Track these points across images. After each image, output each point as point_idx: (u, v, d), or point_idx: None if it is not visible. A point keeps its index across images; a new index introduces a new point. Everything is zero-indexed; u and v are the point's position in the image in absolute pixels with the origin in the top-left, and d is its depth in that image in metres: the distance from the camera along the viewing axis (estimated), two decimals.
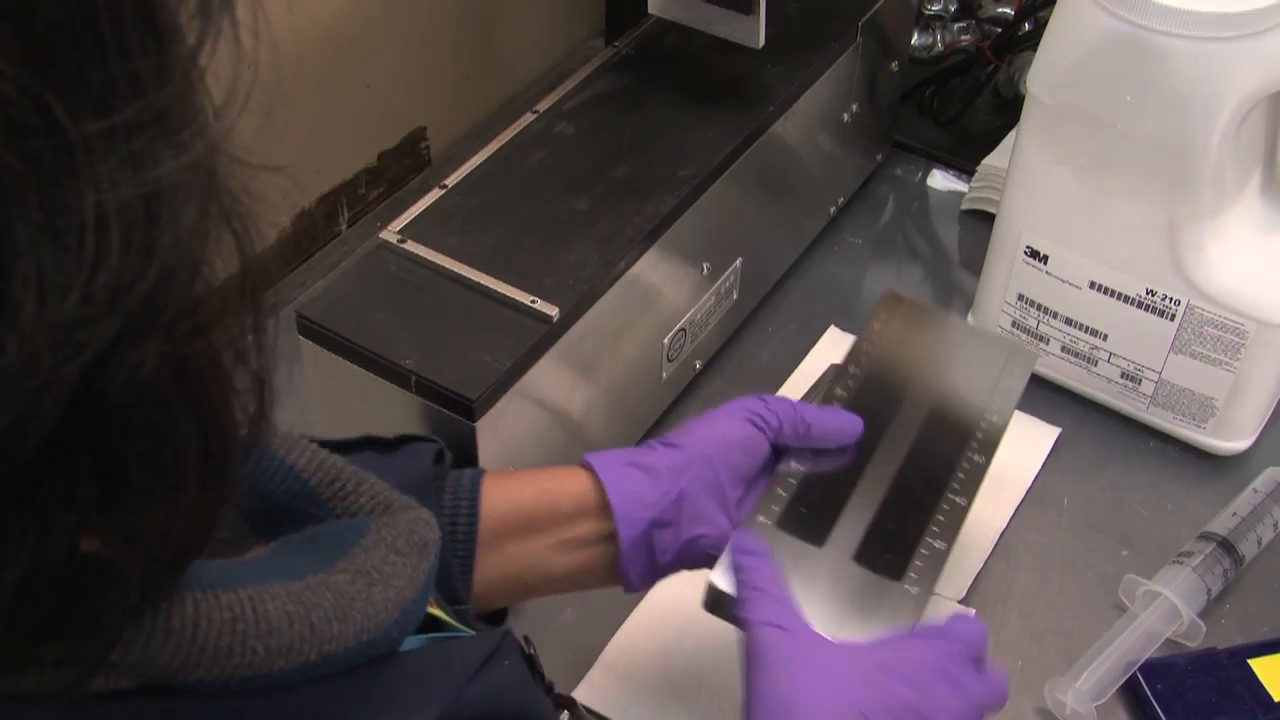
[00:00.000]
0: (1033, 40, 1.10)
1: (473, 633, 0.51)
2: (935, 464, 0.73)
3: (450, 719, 0.42)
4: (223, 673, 0.37)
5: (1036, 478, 0.92)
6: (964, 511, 0.71)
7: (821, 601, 0.64)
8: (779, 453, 0.71)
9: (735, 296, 0.96)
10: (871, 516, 0.69)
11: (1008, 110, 1.18)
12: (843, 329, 1.02)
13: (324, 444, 0.51)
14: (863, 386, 0.77)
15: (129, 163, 0.28)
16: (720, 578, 0.65)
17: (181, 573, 0.36)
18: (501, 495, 0.66)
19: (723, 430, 0.69)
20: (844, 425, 0.72)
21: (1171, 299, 0.87)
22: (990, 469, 0.74)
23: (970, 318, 1.00)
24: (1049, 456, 0.93)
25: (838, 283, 1.06)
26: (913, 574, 0.67)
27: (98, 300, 0.28)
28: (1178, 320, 0.87)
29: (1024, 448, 0.94)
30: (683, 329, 0.90)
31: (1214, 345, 0.87)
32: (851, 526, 0.69)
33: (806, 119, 0.97)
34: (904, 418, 0.75)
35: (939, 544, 0.69)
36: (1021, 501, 0.90)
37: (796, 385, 0.97)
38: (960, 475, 0.73)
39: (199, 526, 0.35)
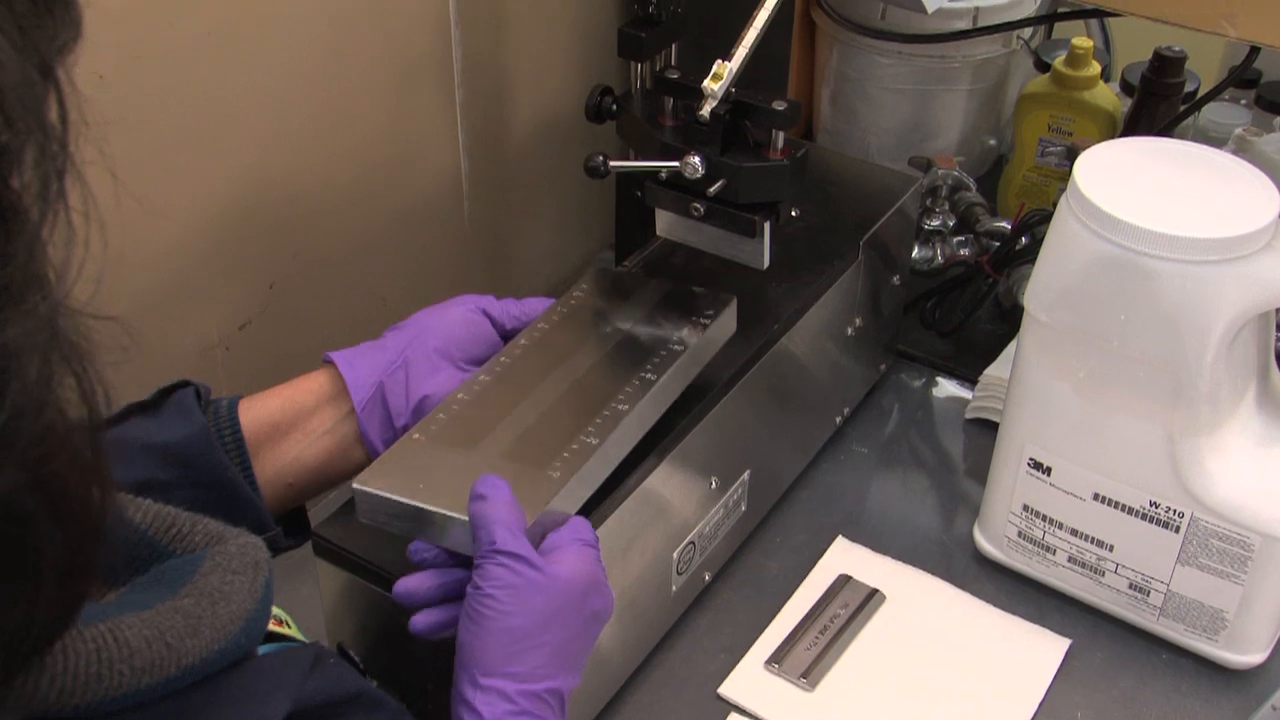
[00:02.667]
0: (1030, 255, 1.14)
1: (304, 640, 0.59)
2: (607, 381, 0.80)
3: (301, 708, 0.50)
4: (95, 696, 0.43)
5: (1048, 691, 0.91)
6: (624, 415, 0.77)
7: (462, 492, 0.69)
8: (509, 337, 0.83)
9: (744, 508, 0.97)
10: (529, 423, 0.76)
11: (1008, 320, 1.21)
12: (850, 539, 1.02)
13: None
14: (557, 325, 0.85)
15: None
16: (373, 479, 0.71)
17: (47, 649, 0.42)
18: (255, 410, 0.75)
19: (444, 309, 0.81)
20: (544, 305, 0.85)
21: (1175, 511, 0.88)
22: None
23: (976, 528, 1.01)
24: (1060, 669, 0.93)
25: (845, 492, 1.07)
26: (557, 463, 0.73)
27: None
28: (1183, 532, 0.88)
29: (1034, 659, 0.93)
30: (692, 542, 0.91)
31: (1220, 557, 0.87)
32: (507, 433, 0.75)
33: (812, 333, 0.99)
34: (587, 350, 0.83)
35: (591, 440, 0.75)
36: (1034, 716, 0.90)
37: (805, 597, 0.97)
38: (628, 389, 0.79)
39: (65, 609, 0.41)
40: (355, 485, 0.71)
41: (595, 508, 0.79)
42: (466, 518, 0.68)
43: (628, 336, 0.85)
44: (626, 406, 0.78)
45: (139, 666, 0.44)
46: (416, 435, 0.75)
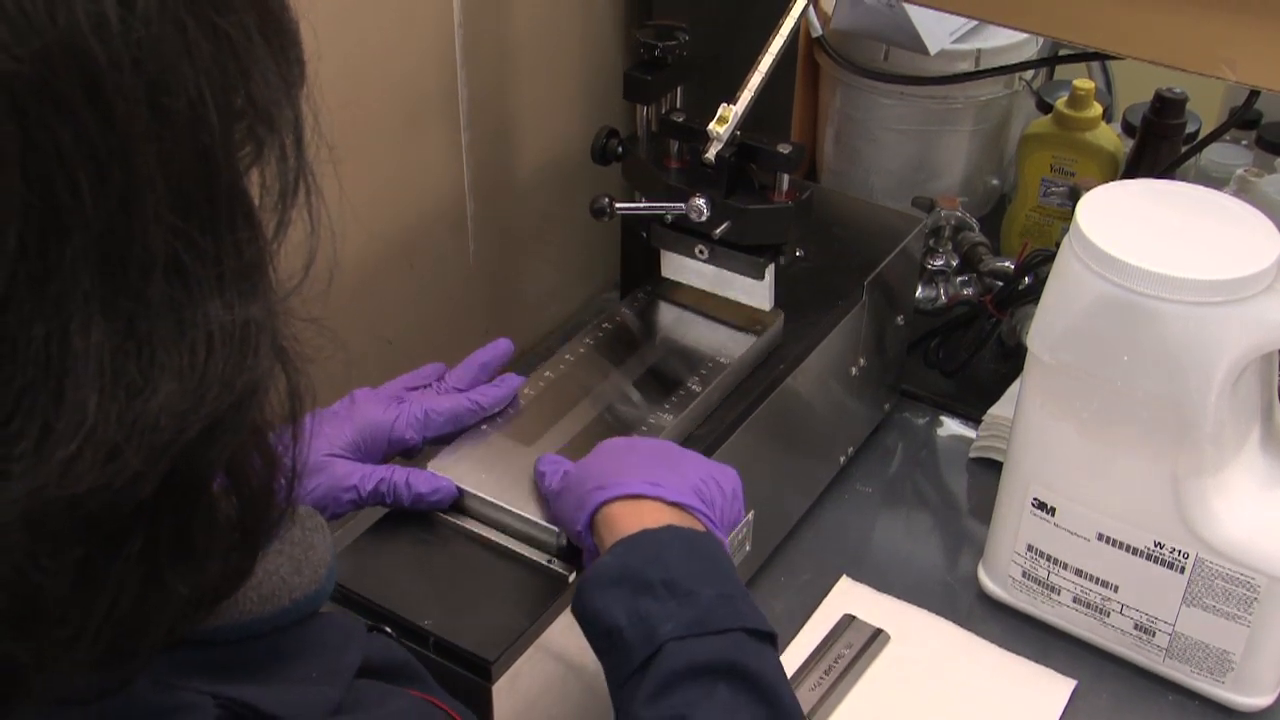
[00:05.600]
0: (1033, 294, 1.14)
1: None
2: (653, 389, 0.89)
3: (368, 661, 0.53)
4: (229, 620, 0.48)
5: None
6: (668, 424, 0.86)
7: (516, 485, 0.80)
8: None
9: (748, 548, 0.97)
10: (582, 426, 0.85)
11: (1011, 359, 1.21)
12: (855, 578, 1.02)
13: None
14: (609, 335, 0.94)
15: (229, 302, 0.40)
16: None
17: (219, 603, 0.46)
18: None
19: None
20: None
21: (1180, 552, 0.88)
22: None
23: (981, 568, 1.01)
24: (1065, 710, 0.93)
25: (849, 532, 1.08)
26: None
27: (208, 392, 0.39)
28: (1188, 573, 0.88)
29: (1039, 700, 0.93)
30: None
31: (1226, 599, 0.87)
32: (563, 432, 0.84)
33: (816, 373, 1.00)
34: (638, 357, 0.92)
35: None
36: None
37: (809, 637, 0.97)
38: (673, 398, 0.88)
39: (237, 577, 0.46)
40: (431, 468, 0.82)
41: None
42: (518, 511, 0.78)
43: (676, 347, 0.93)
44: (671, 417, 0.86)
45: (264, 595, 0.49)
46: (484, 426, 0.85)
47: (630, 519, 0.69)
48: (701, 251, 0.92)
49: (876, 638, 0.97)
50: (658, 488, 0.70)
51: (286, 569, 0.51)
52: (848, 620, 0.99)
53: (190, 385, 0.39)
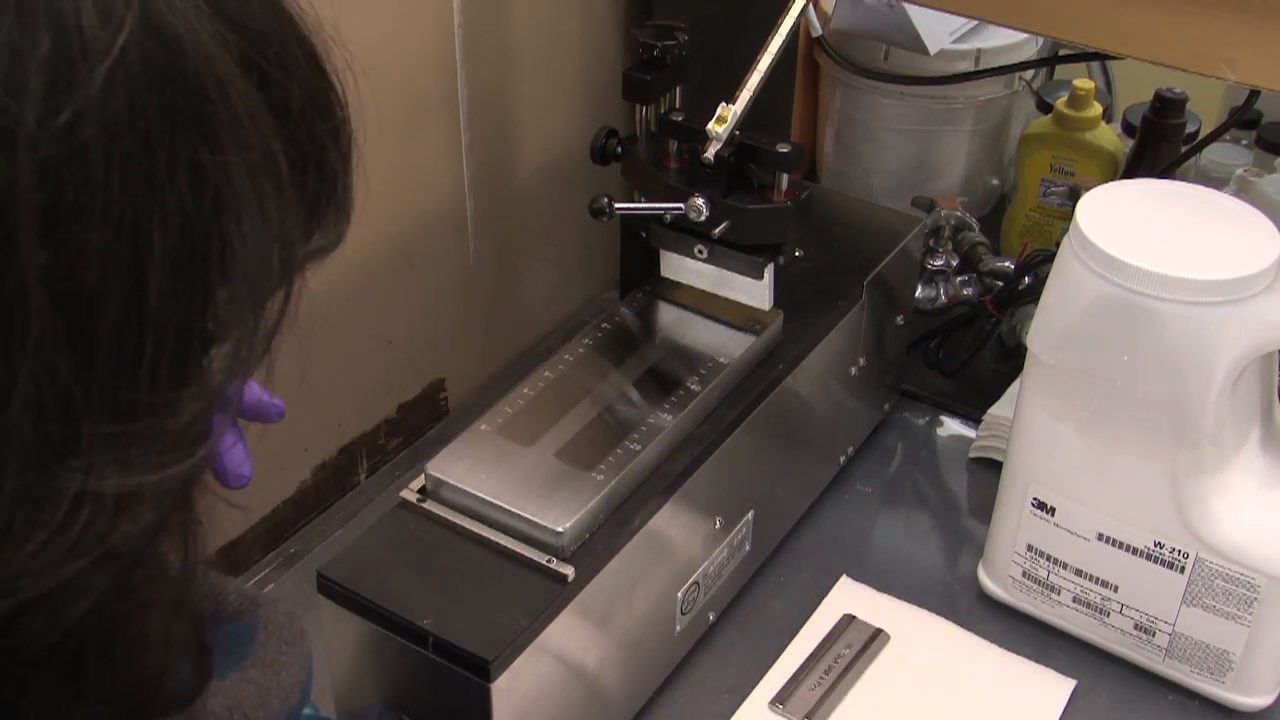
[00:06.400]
0: (1033, 294, 1.14)
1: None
2: (653, 390, 0.88)
3: None
4: None
5: None
6: (668, 425, 0.85)
7: (516, 485, 0.79)
8: None
9: (748, 548, 0.97)
10: (581, 426, 0.84)
11: (1011, 359, 1.21)
12: (855, 578, 1.02)
13: None
14: (608, 335, 0.93)
15: (117, 466, 0.33)
16: None
17: None
18: None
19: None
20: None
21: (1180, 551, 0.88)
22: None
23: (981, 568, 1.01)
24: (1065, 710, 0.93)
25: (849, 531, 1.07)
26: (602, 466, 0.81)
27: (47, 558, 0.32)
28: (1188, 573, 0.88)
29: (1039, 700, 0.93)
30: (696, 582, 0.91)
31: (1226, 598, 0.87)
32: (562, 432, 0.84)
33: (816, 373, 1.00)
34: (638, 357, 0.91)
35: (635, 446, 0.83)
36: None
37: (809, 638, 0.97)
38: (672, 398, 0.87)
39: None
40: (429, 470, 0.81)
41: (599, 549, 0.79)
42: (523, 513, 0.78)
43: (676, 347, 0.93)
44: (669, 417, 0.86)
45: None
46: (484, 426, 0.84)
47: None
48: (701, 251, 0.92)
49: (876, 638, 0.97)
50: None
51: (251, 702, 0.46)
52: (848, 620, 0.99)
53: (30, 549, 0.32)
